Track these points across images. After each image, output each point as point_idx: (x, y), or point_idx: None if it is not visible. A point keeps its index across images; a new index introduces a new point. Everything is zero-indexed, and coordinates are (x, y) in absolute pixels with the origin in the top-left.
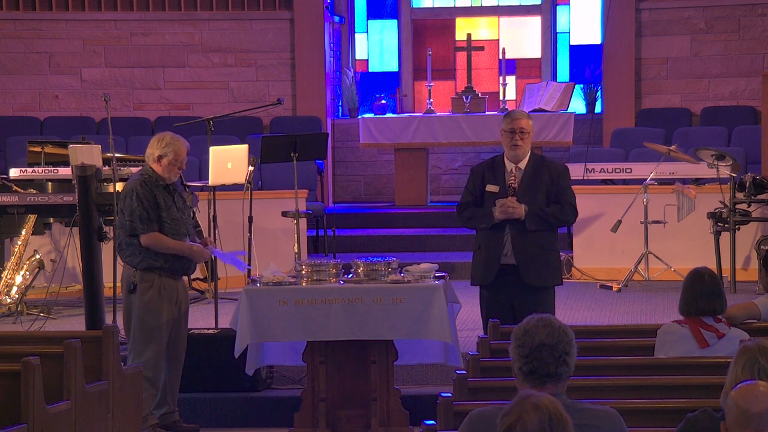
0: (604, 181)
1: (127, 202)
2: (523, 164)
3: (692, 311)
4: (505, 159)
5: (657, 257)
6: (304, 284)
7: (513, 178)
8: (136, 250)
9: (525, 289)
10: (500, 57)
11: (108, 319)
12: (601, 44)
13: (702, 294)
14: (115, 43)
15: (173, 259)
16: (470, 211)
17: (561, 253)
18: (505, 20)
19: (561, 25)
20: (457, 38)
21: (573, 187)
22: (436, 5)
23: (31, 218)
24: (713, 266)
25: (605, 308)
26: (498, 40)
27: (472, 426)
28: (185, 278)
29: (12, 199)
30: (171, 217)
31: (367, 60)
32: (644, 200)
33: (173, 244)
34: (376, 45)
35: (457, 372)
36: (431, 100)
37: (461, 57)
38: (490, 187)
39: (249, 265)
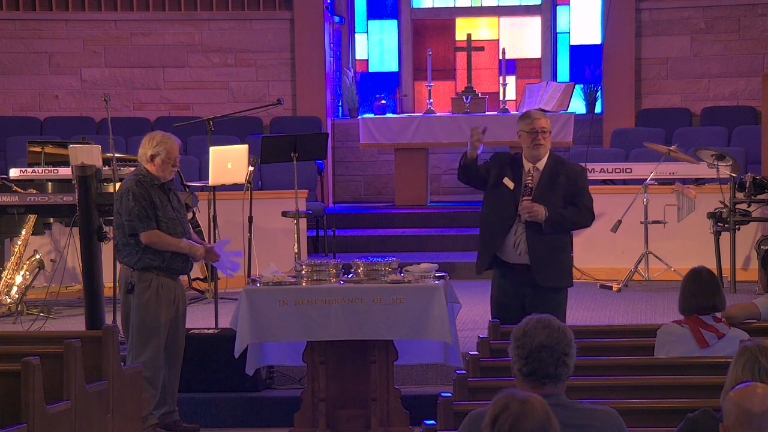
0: (604, 181)
1: (124, 202)
2: (541, 165)
3: (692, 309)
4: (524, 159)
5: (657, 257)
6: (304, 284)
7: (530, 178)
8: (133, 250)
9: (538, 290)
10: (500, 57)
11: (108, 319)
12: (601, 44)
13: (700, 291)
14: (115, 43)
15: (171, 258)
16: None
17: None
18: (505, 20)
19: (561, 25)
20: (457, 38)
21: None
22: (436, 5)
23: (31, 218)
24: (713, 266)
25: (605, 308)
26: (498, 40)
27: (471, 426)
28: (185, 278)
29: (12, 199)
30: (167, 216)
31: (367, 60)
32: (644, 200)
33: (173, 241)
34: (376, 45)
35: (457, 372)
36: (431, 100)
37: (461, 57)
38: (507, 181)
39: (234, 269)
